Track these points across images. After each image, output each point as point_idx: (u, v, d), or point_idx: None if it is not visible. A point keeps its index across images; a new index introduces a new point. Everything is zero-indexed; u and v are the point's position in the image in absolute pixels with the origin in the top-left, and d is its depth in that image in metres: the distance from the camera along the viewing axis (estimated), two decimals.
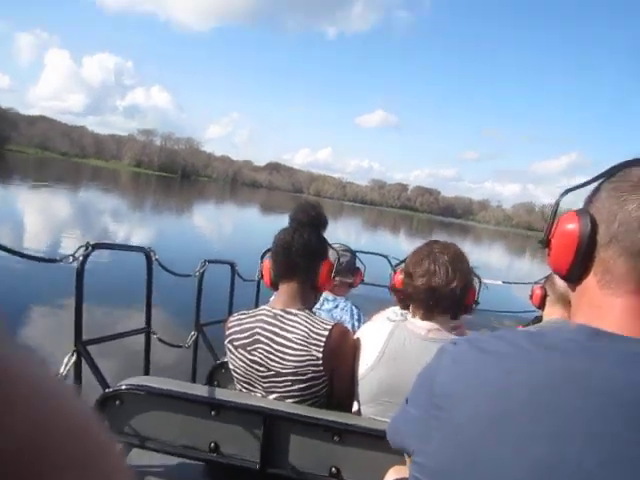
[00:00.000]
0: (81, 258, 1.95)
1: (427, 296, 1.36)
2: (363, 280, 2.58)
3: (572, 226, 0.68)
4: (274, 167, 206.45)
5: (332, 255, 1.69)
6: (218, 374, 1.99)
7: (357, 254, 2.59)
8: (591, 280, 0.66)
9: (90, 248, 1.98)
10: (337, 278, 2.21)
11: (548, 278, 2.10)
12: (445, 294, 1.35)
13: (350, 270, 2.41)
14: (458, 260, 1.40)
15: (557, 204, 0.75)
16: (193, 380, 2.90)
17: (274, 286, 1.59)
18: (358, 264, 2.54)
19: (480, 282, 1.55)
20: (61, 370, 1.91)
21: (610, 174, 0.67)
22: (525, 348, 0.63)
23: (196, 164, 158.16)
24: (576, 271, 0.68)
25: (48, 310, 5.96)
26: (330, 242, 1.69)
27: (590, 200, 0.69)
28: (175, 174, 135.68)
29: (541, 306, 2.32)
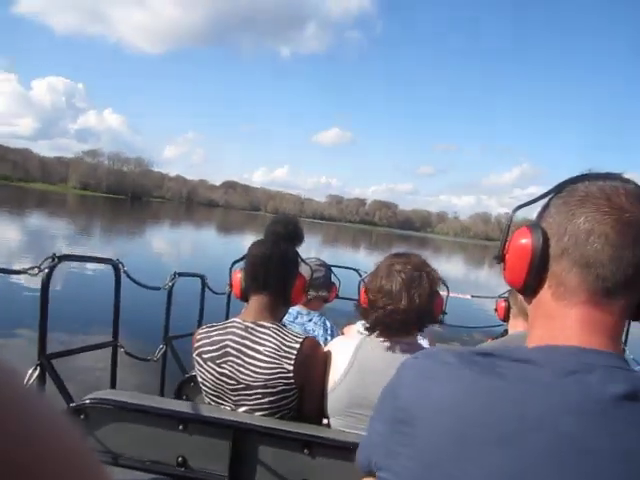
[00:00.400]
0: (47, 270, 1.91)
1: (387, 314, 1.38)
2: (338, 295, 2.59)
3: (525, 240, 0.70)
4: (230, 185, 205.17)
5: (307, 270, 1.70)
6: (187, 388, 1.96)
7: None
8: (546, 293, 0.69)
9: (56, 260, 1.94)
10: (312, 292, 2.23)
11: (511, 291, 2.15)
12: (405, 312, 1.37)
13: (325, 285, 2.42)
14: (419, 275, 1.41)
15: (510, 220, 0.77)
16: (161, 394, 2.84)
17: (244, 297, 1.59)
18: (333, 279, 2.55)
19: (448, 292, 1.57)
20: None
21: (558, 190, 0.70)
22: (477, 368, 0.65)
23: (147, 185, 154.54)
24: (531, 284, 0.70)
25: (11, 324, 5.74)
26: (304, 257, 1.70)
27: (541, 215, 0.72)
28: (124, 196, 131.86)
29: (506, 319, 2.38)
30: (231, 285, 1.66)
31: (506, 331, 2.49)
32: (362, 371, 1.38)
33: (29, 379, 1.88)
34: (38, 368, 1.91)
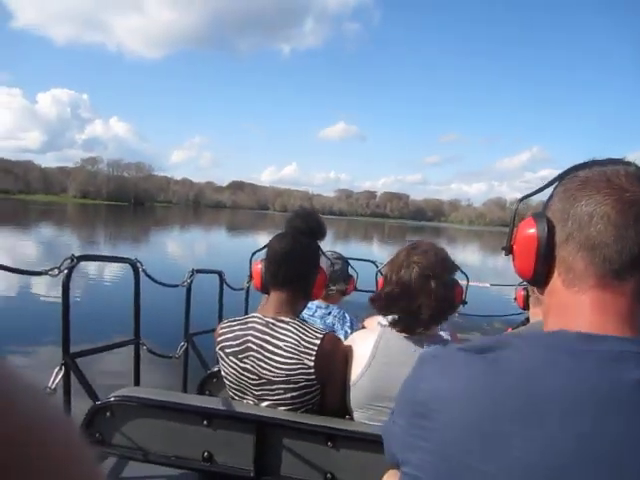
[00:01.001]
0: (66, 271, 1.97)
1: (406, 306, 1.38)
2: (355, 287, 2.60)
3: (531, 230, 0.72)
4: (237, 186, 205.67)
5: (326, 264, 1.70)
6: (209, 384, 1.99)
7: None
8: (556, 281, 0.70)
9: (75, 260, 1.99)
10: (332, 287, 2.25)
11: None
12: (425, 303, 1.37)
13: (343, 278, 2.44)
14: (438, 264, 1.40)
15: (515, 212, 0.79)
16: (184, 390, 2.90)
17: (264, 290, 1.60)
18: (350, 271, 2.56)
19: (467, 280, 1.56)
20: (49, 384, 1.92)
21: (561, 178, 0.72)
22: (494, 359, 0.65)
23: (149, 189, 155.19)
24: (540, 274, 0.72)
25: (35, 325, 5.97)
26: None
27: (546, 205, 0.74)
28: (126, 202, 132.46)
29: (526, 307, 2.36)
30: (251, 276, 1.67)
31: (527, 319, 2.49)
32: (383, 364, 1.40)
33: (54, 379, 1.94)
34: (63, 367, 1.97)
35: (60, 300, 2.01)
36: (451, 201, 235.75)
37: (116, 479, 1.59)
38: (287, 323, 1.49)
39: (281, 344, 1.46)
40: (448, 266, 1.43)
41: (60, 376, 1.96)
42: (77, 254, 2.05)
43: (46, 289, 8.62)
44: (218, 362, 1.64)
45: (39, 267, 2.04)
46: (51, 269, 1.97)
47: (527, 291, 2.26)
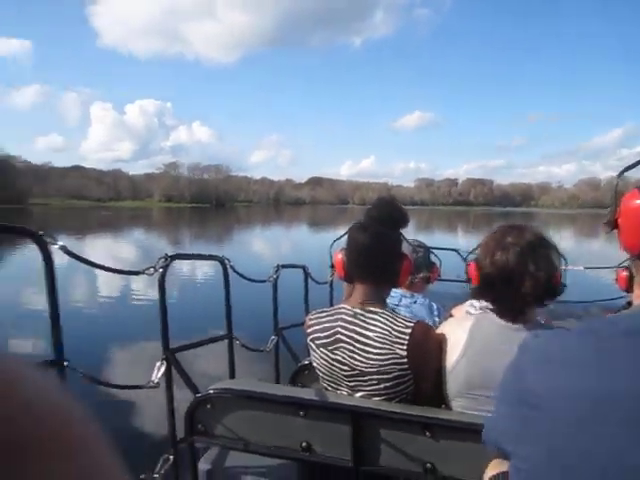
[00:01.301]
0: (161, 270, 2.08)
1: (503, 291, 1.33)
2: (439, 275, 2.55)
3: (638, 201, 0.69)
4: (316, 182, 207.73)
5: (408, 249, 1.67)
6: (301, 376, 2.04)
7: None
8: None
9: (169, 259, 2.10)
10: (416, 275, 2.23)
11: (634, 259, 2.02)
12: (523, 288, 1.31)
13: (426, 265, 2.41)
14: (536, 245, 1.34)
15: (616, 185, 0.76)
16: (277, 383, 2.99)
17: (348, 279, 1.61)
18: (433, 259, 2.52)
19: (566, 264, 1.49)
20: (153, 377, 2.04)
21: None
22: (611, 341, 0.63)
23: (229, 190, 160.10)
24: None
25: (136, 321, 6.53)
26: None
27: None
28: (208, 203, 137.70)
29: (629, 289, 2.24)
30: (333, 266, 1.68)
31: (629, 303, 2.35)
32: (480, 351, 1.37)
33: (157, 372, 2.05)
34: (164, 362, 2.08)
35: (157, 298, 2.12)
36: (540, 184, 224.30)
37: (220, 469, 1.68)
38: (376, 313, 1.49)
39: (371, 335, 1.46)
40: (546, 247, 1.36)
41: (162, 370, 2.06)
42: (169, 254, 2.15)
43: (144, 288, 9.27)
44: (308, 354, 1.69)
45: (136, 267, 2.15)
46: (147, 268, 2.08)
47: (631, 272, 2.13)
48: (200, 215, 72.18)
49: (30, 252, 1.67)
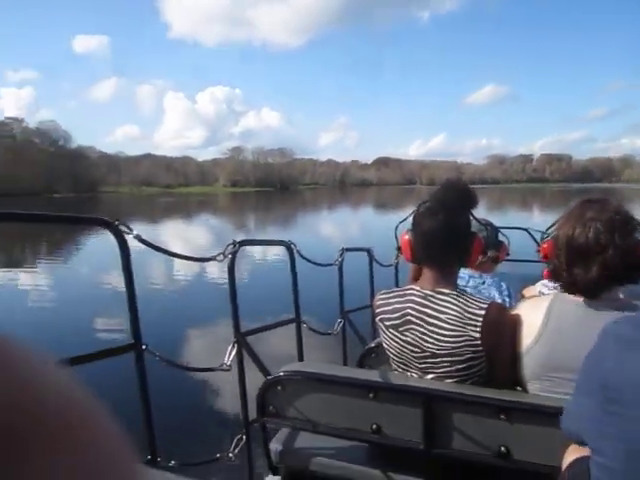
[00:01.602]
0: (230, 255, 2.15)
1: (584, 269, 1.27)
2: (508, 254, 2.48)
3: None
4: (383, 162, 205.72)
5: (475, 228, 1.63)
6: (368, 358, 2.04)
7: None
8: None
9: (237, 245, 2.17)
10: (485, 255, 2.18)
11: None
12: (605, 265, 1.24)
13: (493, 244, 2.34)
14: (618, 220, 1.27)
15: None
16: (344, 365, 3.04)
17: (416, 261, 1.60)
18: (501, 238, 2.45)
19: None
20: (225, 360, 2.12)
21: None
22: None
23: (293, 174, 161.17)
24: None
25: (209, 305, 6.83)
26: None
27: None
28: (272, 187, 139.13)
29: None
30: (399, 249, 1.66)
31: None
32: (557, 332, 1.33)
33: (229, 355, 2.13)
34: (235, 345, 2.16)
35: (227, 283, 2.19)
36: (623, 157, 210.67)
37: (291, 449, 1.72)
38: (447, 295, 1.48)
39: (443, 317, 1.45)
40: (629, 222, 1.28)
41: (234, 353, 2.14)
42: (237, 239, 2.21)
43: (216, 272, 9.60)
44: (374, 337, 1.68)
45: (207, 253, 2.22)
46: (217, 255, 2.15)
47: None
48: (265, 199, 73.41)
49: (105, 237, 1.76)
